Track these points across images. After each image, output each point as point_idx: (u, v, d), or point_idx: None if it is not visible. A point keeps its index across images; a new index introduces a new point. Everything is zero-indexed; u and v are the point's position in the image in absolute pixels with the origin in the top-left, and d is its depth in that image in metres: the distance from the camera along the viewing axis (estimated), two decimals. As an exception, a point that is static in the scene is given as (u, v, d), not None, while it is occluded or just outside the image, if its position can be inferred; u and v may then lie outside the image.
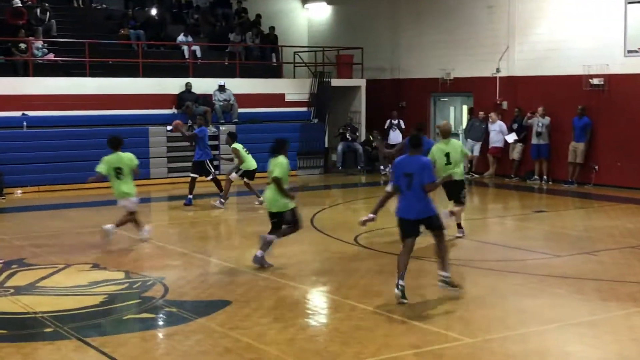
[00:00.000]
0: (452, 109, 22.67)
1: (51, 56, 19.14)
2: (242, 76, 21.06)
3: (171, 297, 8.48)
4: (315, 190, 18.61)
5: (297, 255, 10.87)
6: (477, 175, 19.88)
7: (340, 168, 21.28)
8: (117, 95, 18.75)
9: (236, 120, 19.89)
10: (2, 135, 17.07)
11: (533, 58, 19.18)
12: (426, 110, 22.12)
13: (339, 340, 7.05)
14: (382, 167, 21.05)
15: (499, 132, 19.60)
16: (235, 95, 20.14)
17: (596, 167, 17.92)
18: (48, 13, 20.24)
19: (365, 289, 8.78)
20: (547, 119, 18.55)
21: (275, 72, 22.91)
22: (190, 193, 15.13)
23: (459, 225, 11.76)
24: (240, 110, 20.14)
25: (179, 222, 13.94)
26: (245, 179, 14.96)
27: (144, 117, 18.93)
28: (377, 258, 10.51)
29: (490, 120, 19.46)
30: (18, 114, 17.65)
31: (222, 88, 19.99)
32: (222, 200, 14.75)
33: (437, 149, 11.38)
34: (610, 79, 17.54)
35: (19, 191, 16.57)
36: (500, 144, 19.63)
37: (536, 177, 18.93)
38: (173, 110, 19.44)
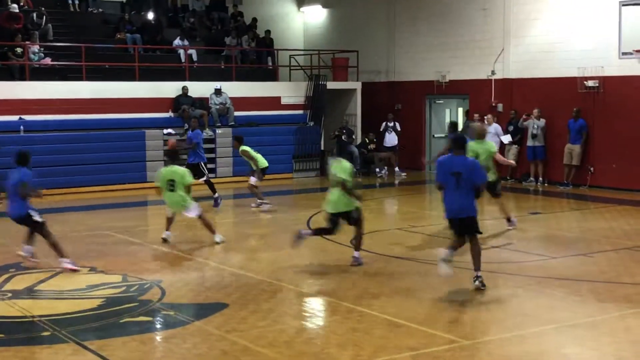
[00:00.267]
0: (447, 111, 22.69)
1: (48, 60, 19.12)
2: (238, 79, 21.06)
3: (168, 300, 8.47)
4: (311, 192, 18.60)
5: (293, 258, 10.86)
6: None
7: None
8: (113, 99, 18.74)
9: (232, 123, 19.88)
10: (-1, 139, 17.05)
11: (528, 60, 19.21)
12: (422, 113, 22.14)
13: (335, 343, 7.04)
14: (377, 170, 21.06)
15: (495, 135, 19.60)
16: (231, 98, 20.13)
17: (592, 169, 17.94)
18: (44, 17, 20.22)
19: (362, 292, 8.77)
20: (542, 121, 18.58)
21: (271, 75, 22.92)
22: None
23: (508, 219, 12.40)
24: (237, 113, 20.14)
25: (176, 225, 13.90)
26: (253, 181, 14.75)
27: (140, 121, 18.91)
28: (374, 261, 10.50)
29: (486, 122, 19.46)
30: (15, 118, 17.63)
31: (218, 91, 19.98)
32: (264, 202, 14.70)
33: (469, 148, 11.58)
34: (605, 81, 17.57)
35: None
36: (496, 147, 19.62)
37: (532, 179, 18.95)
38: (170, 114, 19.42)
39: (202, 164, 15.31)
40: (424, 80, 21.70)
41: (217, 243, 11.51)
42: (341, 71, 22.86)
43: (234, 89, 20.47)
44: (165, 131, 18.83)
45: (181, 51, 21.13)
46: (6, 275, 9.66)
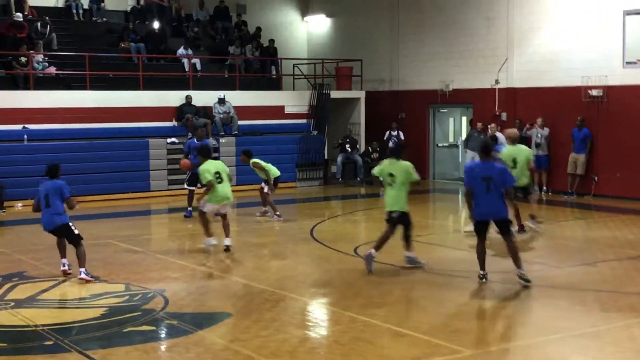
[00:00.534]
0: (451, 120, 22.70)
1: (52, 69, 19.18)
2: (241, 88, 21.10)
3: (171, 310, 8.46)
4: (315, 201, 18.61)
5: (297, 267, 10.85)
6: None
7: (339, 179, 21.28)
8: (117, 108, 18.78)
9: (236, 132, 19.90)
10: (3, 148, 17.08)
11: (532, 69, 19.22)
12: (425, 122, 22.15)
13: (339, 352, 7.02)
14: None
15: (499, 144, 19.58)
16: (235, 107, 20.16)
17: (596, 178, 17.92)
18: (48, 26, 20.29)
19: (365, 301, 8.76)
20: (546, 130, 18.56)
21: (274, 85, 22.95)
22: (190, 205, 15.12)
23: (532, 216, 12.91)
24: (240, 122, 20.16)
25: (179, 235, 13.93)
26: (267, 190, 14.73)
27: (144, 130, 18.94)
28: (377, 269, 10.48)
29: (489, 131, 19.43)
30: (19, 127, 17.67)
31: (222, 100, 20.02)
32: (276, 213, 14.69)
33: (506, 154, 12.47)
34: (609, 90, 17.57)
35: (20, 204, 16.56)
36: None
37: (536, 188, 18.91)
38: (173, 123, 19.45)
39: None
40: (427, 89, 21.72)
41: (226, 248, 11.51)
42: (345, 80, 22.89)
43: (238, 97, 20.50)
44: (169, 140, 18.86)
45: (185, 60, 21.18)
46: (9, 285, 9.67)
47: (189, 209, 15.09)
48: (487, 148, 9.41)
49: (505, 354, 7.00)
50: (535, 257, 11.18)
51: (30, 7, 21.35)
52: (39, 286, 9.55)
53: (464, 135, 21.61)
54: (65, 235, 10.05)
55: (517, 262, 9.30)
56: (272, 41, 23.85)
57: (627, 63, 17.03)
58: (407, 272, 10.29)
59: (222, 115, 19.92)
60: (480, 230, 9.40)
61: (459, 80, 20.89)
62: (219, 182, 11.48)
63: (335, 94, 21.93)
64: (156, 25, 22.47)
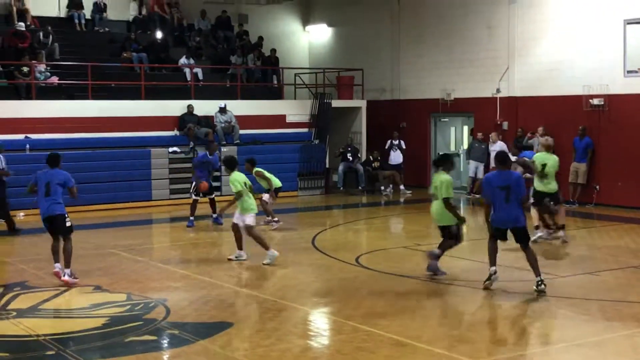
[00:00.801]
0: (452, 129, 22.68)
1: (54, 79, 19.20)
2: (243, 98, 21.11)
3: (173, 319, 8.43)
4: (316, 210, 18.59)
5: (298, 277, 10.82)
6: (478, 196, 19.83)
7: (341, 188, 21.27)
8: (119, 117, 18.78)
9: (238, 141, 19.90)
10: (5, 158, 17.06)
11: (533, 78, 19.22)
12: (427, 131, 22.14)
13: (342, 362, 6.98)
14: (382, 188, 21.03)
15: (500, 151, 19.57)
16: (236, 116, 20.17)
17: (597, 187, 17.88)
18: (51, 36, 20.33)
19: (367, 311, 8.72)
20: (550, 139, 18.47)
21: (276, 94, 22.97)
22: (192, 215, 15.11)
23: (562, 227, 12.98)
24: (242, 131, 20.17)
25: (181, 244, 13.90)
26: (266, 198, 14.70)
27: (146, 139, 18.94)
28: (379, 279, 10.46)
29: (490, 140, 19.44)
30: (21, 137, 17.66)
31: (223, 110, 20.03)
32: (274, 220, 14.69)
33: (540, 157, 12.83)
34: (610, 99, 17.56)
35: (21, 214, 16.54)
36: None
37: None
38: (175, 132, 19.45)
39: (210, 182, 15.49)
40: (429, 98, 21.72)
41: (267, 263, 11.35)
42: (346, 89, 22.91)
43: (239, 107, 20.51)
44: (170, 149, 18.86)
45: (187, 70, 21.21)
46: (11, 294, 9.64)
47: (191, 218, 15.08)
48: (501, 157, 9.64)
49: (508, 364, 6.96)
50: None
51: (33, 17, 21.38)
52: (40, 296, 9.52)
53: (465, 145, 21.59)
54: (59, 226, 10.08)
55: (536, 270, 9.42)
56: (273, 51, 23.88)
57: (629, 72, 17.02)
58: (410, 281, 10.25)
59: (223, 125, 19.92)
60: (500, 235, 9.59)
61: (460, 89, 20.89)
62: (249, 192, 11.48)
63: (336, 103, 21.94)
64: (158, 35, 22.51)
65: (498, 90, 19.90)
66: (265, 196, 14.73)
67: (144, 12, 23.60)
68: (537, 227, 12.98)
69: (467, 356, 7.08)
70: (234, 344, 7.54)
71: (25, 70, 18.78)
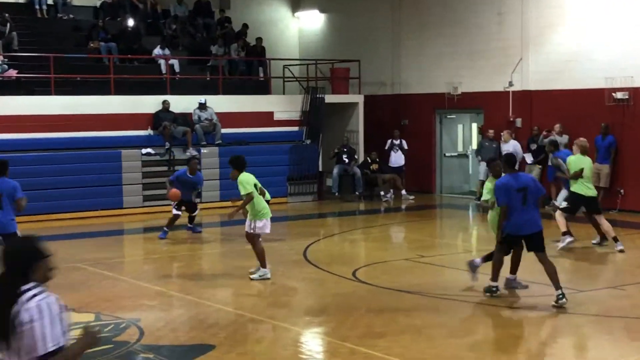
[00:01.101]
0: (460, 127, 22.75)
1: (12, 72, 19.17)
2: (225, 93, 21.12)
3: (147, 342, 8.43)
4: (308, 219, 18.60)
5: (288, 293, 10.82)
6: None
7: (336, 194, 21.30)
8: (86, 115, 18.76)
9: (219, 142, 19.91)
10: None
11: (549, 70, 19.30)
12: (431, 129, 22.21)
13: (336, 389, 7.00)
14: (382, 193, 21.08)
15: (514, 152, 19.62)
16: (218, 114, 20.18)
17: (622, 191, 17.96)
18: (9, 25, 20.29)
19: (365, 330, 8.74)
20: (565, 138, 18.58)
21: (262, 88, 22.99)
22: (168, 226, 14.97)
23: (615, 239, 13.16)
24: (224, 130, 20.17)
25: (156, 257, 13.89)
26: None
27: (116, 140, 18.92)
28: (378, 295, 10.48)
29: (502, 139, 19.50)
30: (-26, 137, 17.64)
31: (203, 106, 20.03)
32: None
33: (575, 161, 13.07)
34: (635, 92, 17.65)
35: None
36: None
37: (554, 202, 18.94)
38: (149, 132, 19.45)
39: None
40: (433, 92, 21.79)
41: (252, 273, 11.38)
42: (341, 83, 22.95)
43: (221, 103, 20.52)
44: (144, 151, 18.85)
45: (162, 61, 21.21)
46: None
47: (165, 229, 14.97)
48: (512, 160, 9.99)
49: (523, 389, 6.99)
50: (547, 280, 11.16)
51: (-12, 3, 21.38)
52: None
53: (474, 144, 21.66)
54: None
55: (556, 282, 9.53)
56: (259, 40, 23.91)
57: (656, 62, 17.13)
58: (412, 297, 10.28)
59: (203, 123, 19.93)
60: (513, 243, 9.82)
61: (468, 83, 20.96)
62: (259, 194, 11.44)
63: (330, 99, 21.98)
64: (129, 22, 22.50)
65: (510, 84, 19.97)
66: None
67: (113, -4, 23.61)
68: (564, 234, 13.25)
69: (476, 381, 7.11)
70: (215, 368, 7.54)
71: (-21, 62, 18.76)
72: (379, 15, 23.43)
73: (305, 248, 13.83)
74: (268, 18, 26.10)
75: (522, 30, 19.81)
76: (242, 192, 11.19)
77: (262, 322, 9.15)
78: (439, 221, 19.36)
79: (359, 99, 22.64)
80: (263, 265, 11.35)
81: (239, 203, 11.51)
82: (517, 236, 9.74)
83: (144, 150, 18.89)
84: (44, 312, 4.01)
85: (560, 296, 9.41)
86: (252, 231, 11.32)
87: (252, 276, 11.32)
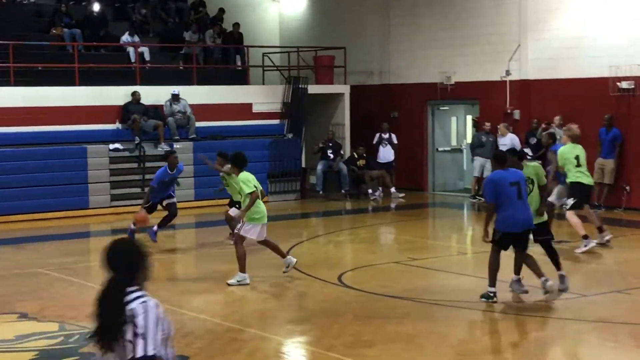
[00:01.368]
0: (453, 119, 22.82)
1: (-33, 61, 19.07)
2: (200, 83, 21.08)
3: (116, 353, 8.40)
4: (291, 219, 18.60)
5: (269, 299, 10.83)
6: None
7: (320, 192, 21.30)
8: (48, 107, 18.67)
9: (194, 136, 19.88)
10: None
11: (549, 58, 19.38)
12: (422, 122, 22.25)
13: (321, 402, 7.02)
14: (370, 191, 21.10)
15: (511, 147, 19.69)
16: (191, 106, 20.14)
17: (628, 188, 18.06)
18: (-37, 9, 20.19)
19: (352, 339, 8.76)
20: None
21: (240, 78, 22.96)
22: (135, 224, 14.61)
23: (600, 229, 13.61)
24: (198, 124, 20.14)
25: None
26: (232, 213, 14.22)
27: (81, 134, 18.85)
28: (366, 301, 10.50)
29: (499, 133, 19.57)
30: None
31: (176, 97, 19.99)
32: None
33: (568, 151, 13.40)
34: (641, 82, 17.75)
35: None
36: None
37: (552, 201, 19.00)
38: (117, 126, 19.39)
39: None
40: (425, 82, 21.83)
41: (285, 270, 11.54)
42: (325, 72, 22.96)
43: (196, 94, 20.48)
44: (111, 146, 18.79)
45: (130, 49, 21.15)
46: None
47: (133, 227, 14.50)
48: (502, 156, 10.25)
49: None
50: (557, 283, 11.22)
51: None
52: (-47, 326, 9.46)
53: (468, 138, 21.72)
54: None
55: (537, 270, 10.12)
56: (236, 25, 23.88)
57: (663, 49, 17.24)
58: (403, 303, 10.31)
59: (176, 116, 19.89)
60: (511, 242, 10.00)
61: (462, 72, 21.02)
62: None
63: (313, 89, 21.98)
64: (95, 7, 22.42)
65: (508, 73, 20.04)
66: (233, 209, 14.21)
67: (77, -21, 23.54)
68: (586, 237, 13.32)
69: (472, 392, 7.15)
70: (190, 381, 7.55)
71: None
72: (366, -2, 23.45)
73: (287, 251, 13.81)
74: (246, 2, 26.05)
75: (520, 15, 19.88)
76: (246, 191, 11.21)
77: (241, 331, 9.15)
78: (431, 221, 19.40)
79: (344, 89, 22.64)
80: (242, 270, 11.36)
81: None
82: (517, 233, 9.85)
83: (111, 146, 18.82)
84: (149, 314, 4.18)
85: (545, 280, 9.98)
86: (237, 231, 11.35)
87: (229, 281, 11.32)
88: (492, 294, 9.98)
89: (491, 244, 10.05)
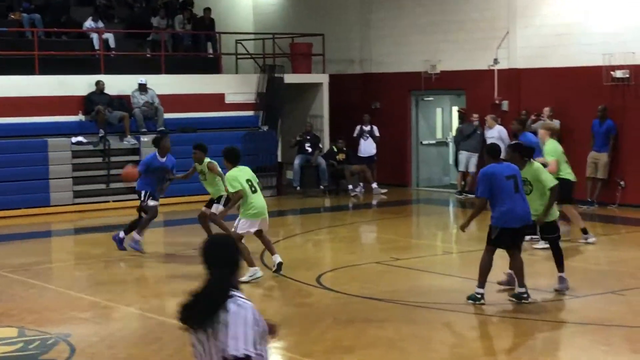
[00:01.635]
0: (438, 111, 22.87)
1: None
2: (168, 72, 21.03)
3: (79, 360, 8.38)
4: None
5: (243, 302, 10.81)
6: (472, 197, 20.02)
7: (297, 188, 21.31)
8: (5, 98, 18.58)
9: (162, 128, 19.81)
10: None
11: (540, 46, 19.45)
12: (406, 113, 22.29)
13: (298, 411, 7.03)
14: (350, 187, 21.13)
15: (499, 140, 19.73)
16: (160, 96, 20.09)
17: (622, 183, 18.17)
18: None
19: (332, 344, 8.79)
20: (556, 122, 18.74)
21: (211, 67, 22.92)
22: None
23: (585, 231, 13.90)
24: (167, 115, 20.09)
25: (89, 262, 13.79)
26: (216, 210, 13.92)
27: (41, 127, 18.77)
28: (346, 303, 10.52)
29: (486, 125, 19.64)
30: None
31: (143, 87, 19.93)
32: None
33: (554, 148, 13.48)
34: (637, 70, 17.85)
35: None
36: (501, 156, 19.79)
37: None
38: (80, 117, 19.32)
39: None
40: (408, 71, 21.86)
41: (279, 266, 11.80)
42: (303, 60, 22.95)
43: (164, 84, 20.43)
44: (74, 139, 18.70)
45: (94, 36, 21.05)
46: None
47: (121, 235, 14.02)
48: (495, 150, 10.42)
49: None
50: (547, 284, 11.30)
51: None
52: None
53: (454, 130, 21.78)
54: None
55: (520, 279, 10.12)
56: (207, 10, 23.82)
57: (659, 37, 17.35)
58: (385, 305, 10.34)
59: (143, 107, 19.84)
60: (507, 240, 10.03)
61: (447, 61, 21.06)
62: (254, 192, 11.54)
63: (290, 79, 21.98)
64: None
65: (496, 61, 20.10)
66: (215, 206, 14.00)
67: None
68: (585, 231, 13.81)
69: (458, 400, 7.18)
70: (159, 390, 7.54)
71: None
72: (345, -18, 23.45)
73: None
74: (218, -15, 26.01)
75: (510, 0, 19.93)
76: (231, 190, 11.44)
77: (213, 336, 9.13)
78: (415, 219, 19.46)
79: (323, 78, 22.65)
80: (250, 264, 11.46)
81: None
82: (517, 228, 9.95)
83: (74, 139, 18.74)
84: (246, 313, 4.43)
85: (525, 295, 9.99)
86: (233, 229, 11.36)
87: (242, 279, 11.28)
88: (479, 296, 10.03)
89: (486, 242, 10.08)
